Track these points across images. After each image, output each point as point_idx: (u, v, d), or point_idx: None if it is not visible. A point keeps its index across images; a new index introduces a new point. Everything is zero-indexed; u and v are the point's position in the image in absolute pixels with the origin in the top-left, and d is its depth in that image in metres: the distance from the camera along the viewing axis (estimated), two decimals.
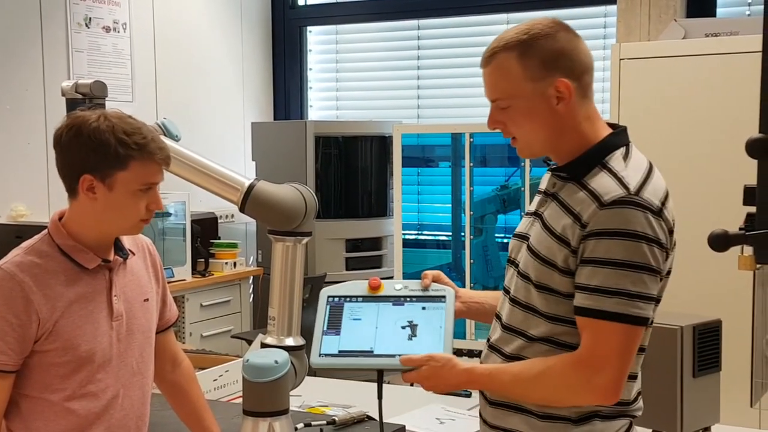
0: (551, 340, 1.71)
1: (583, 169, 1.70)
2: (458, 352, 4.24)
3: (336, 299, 1.97)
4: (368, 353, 1.86)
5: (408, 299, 1.94)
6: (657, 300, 1.68)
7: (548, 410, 1.71)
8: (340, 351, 1.88)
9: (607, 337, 1.62)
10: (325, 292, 1.99)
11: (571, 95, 1.69)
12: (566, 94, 1.69)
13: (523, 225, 1.84)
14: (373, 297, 1.96)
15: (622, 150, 1.72)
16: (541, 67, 1.69)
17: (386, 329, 1.89)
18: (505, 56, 1.71)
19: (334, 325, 1.92)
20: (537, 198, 1.83)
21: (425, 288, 1.94)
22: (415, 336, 1.87)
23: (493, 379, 1.75)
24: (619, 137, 1.75)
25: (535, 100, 1.70)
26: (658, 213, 1.64)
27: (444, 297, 1.93)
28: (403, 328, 1.88)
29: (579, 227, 1.64)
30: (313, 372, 2.19)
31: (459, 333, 4.34)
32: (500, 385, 1.75)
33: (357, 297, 1.96)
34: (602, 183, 1.66)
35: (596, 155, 1.71)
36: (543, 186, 1.83)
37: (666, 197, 1.68)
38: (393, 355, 1.84)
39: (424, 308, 1.91)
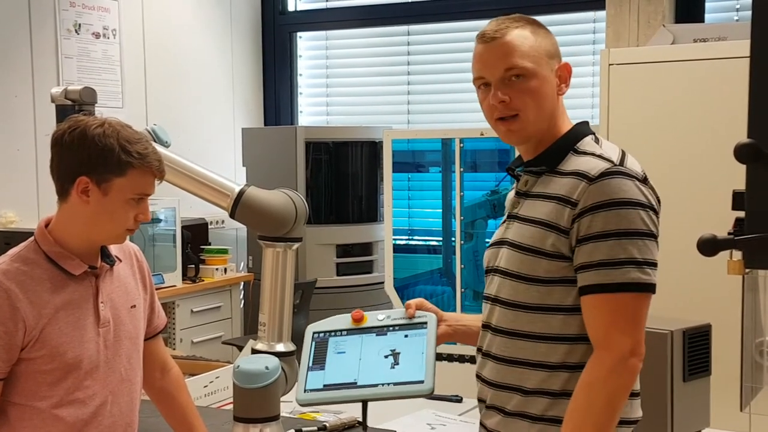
0: (544, 334, 1.70)
1: (555, 158, 1.73)
2: (449, 358, 4.24)
3: (321, 335, 1.97)
4: (352, 385, 1.87)
5: (390, 328, 1.95)
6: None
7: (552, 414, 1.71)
8: (324, 385, 1.88)
9: (621, 309, 1.62)
10: (311, 328, 1.99)
11: (569, 80, 1.76)
12: (566, 79, 1.75)
13: (497, 234, 1.85)
14: (357, 329, 1.96)
15: (591, 137, 1.76)
16: (553, 47, 1.75)
17: (369, 360, 1.90)
18: (520, 31, 1.73)
19: (319, 360, 1.93)
20: (507, 206, 1.86)
21: (410, 318, 1.95)
22: (398, 364, 1.88)
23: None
24: (584, 127, 1.79)
25: (547, 77, 1.73)
26: (644, 181, 1.67)
27: (425, 323, 1.93)
28: (386, 357, 1.90)
29: (569, 207, 1.65)
30: None
31: None
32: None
33: (341, 331, 1.97)
34: (583, 162, 1.68)
35: (567, 143, 1.74)
36: (510, 195, 1.85)
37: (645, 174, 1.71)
38: (376, 385, 1.85)
39: (406, 336, 1.92)
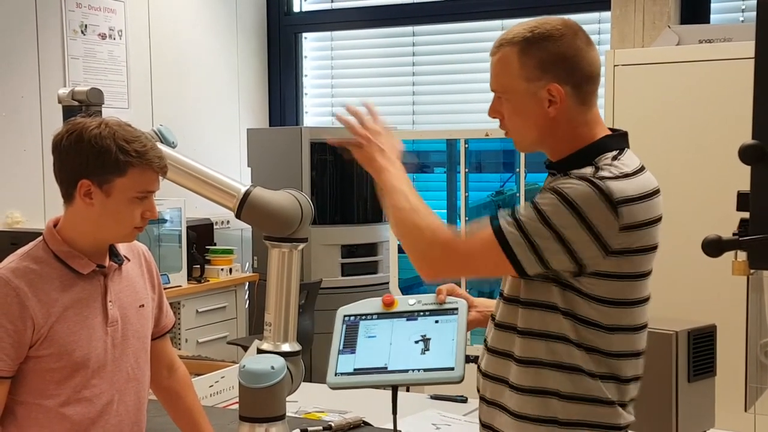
0: (539, 331, 1.69)
1: (573, 165, 1.71)
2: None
3: (351, 318, 1.99)
4: (382, 370, 1.89)
5: (421, 313, 1.96)
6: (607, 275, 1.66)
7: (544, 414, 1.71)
8: (355, 369, 1.90)
9: (481, 238, 1.65)
10: (341, 311, 2.02)
11: (563, 101, 1.70)
12: (558, 99, 1.70)
13: None
14: (388, 313, 1.98)
15: (615, 152, 1.72)
16: (537, 68, 1.70)
17: (400, 345, 1.92)
18: (508, 50, 1.73)
19: (350, 344, 1.95)
20: None
21: (440, 303, 1.96)
22: (428, 350, 1.90)
23: (391, 193, 1.83)
24: (614, 140, 1.75)
25: (527, 99, 1.71)
26: (612, 205, 1.60)
27: (456, 309, 1.95)
28: (417, 342, 1.92)
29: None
30: (309, 378, 2.19)
31: None
32: (390, 196, 1.82)
33: (372, 315, 1.99)
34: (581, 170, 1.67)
35: (587, 154, 1.71)
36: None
37: (644, 197, 1.65)
38: (406, 371, 1.87)
39: (437, 321, 1.94)
